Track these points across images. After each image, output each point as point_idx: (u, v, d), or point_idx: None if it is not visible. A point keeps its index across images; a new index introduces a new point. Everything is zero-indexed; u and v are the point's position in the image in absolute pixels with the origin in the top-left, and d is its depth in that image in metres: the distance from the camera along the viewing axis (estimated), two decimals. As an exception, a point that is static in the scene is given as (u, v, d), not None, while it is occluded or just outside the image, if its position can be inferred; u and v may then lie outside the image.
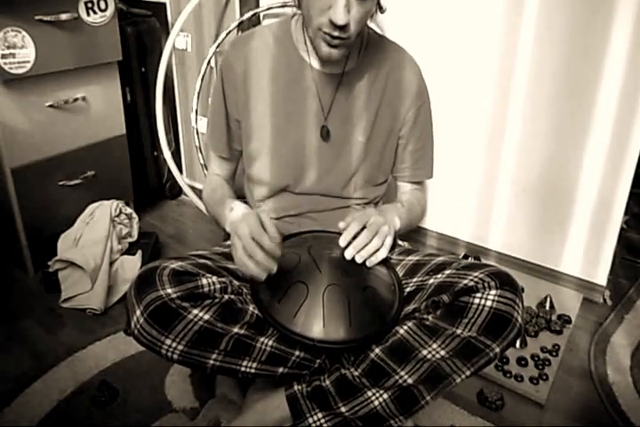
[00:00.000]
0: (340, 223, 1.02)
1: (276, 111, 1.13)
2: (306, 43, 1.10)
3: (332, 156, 1.15)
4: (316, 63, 1.12)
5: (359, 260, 0.99)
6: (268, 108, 1.13)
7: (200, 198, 2.05)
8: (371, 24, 1.17)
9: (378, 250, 1.01)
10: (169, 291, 0.91)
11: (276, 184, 1.17)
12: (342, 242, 0.99)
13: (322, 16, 0.95)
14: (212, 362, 0.95)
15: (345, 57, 1.08)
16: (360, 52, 1.13)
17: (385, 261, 1.09)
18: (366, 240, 0.99)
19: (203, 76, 1.91)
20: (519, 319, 0.94)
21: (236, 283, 1.02)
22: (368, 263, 1.00)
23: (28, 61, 1.57)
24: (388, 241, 1.02)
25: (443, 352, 0.94)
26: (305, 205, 1.17)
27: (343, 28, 0.95)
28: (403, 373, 0.96)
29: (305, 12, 1.00)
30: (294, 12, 1.12)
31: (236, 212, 1.04)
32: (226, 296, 0.97)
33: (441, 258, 1.08)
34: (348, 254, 0.99)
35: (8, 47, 1.51)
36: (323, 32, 0.97)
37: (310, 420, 1.01)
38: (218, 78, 1.17)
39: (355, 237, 1.00)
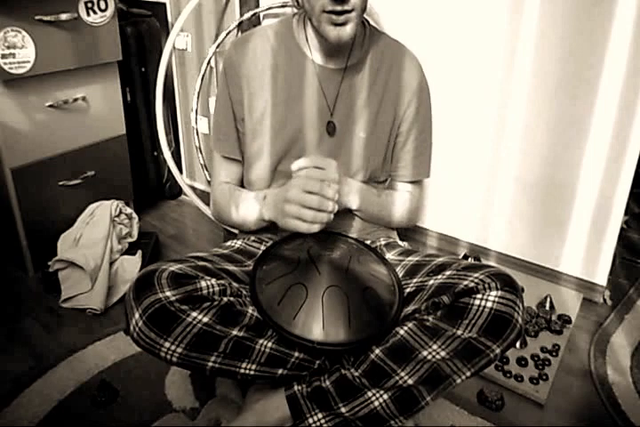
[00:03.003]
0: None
1: (280, 107, 1.13)
2: (307, 39, 1.10)
3: (335, 152, 1.15)
4: (318, 59, 1.12)
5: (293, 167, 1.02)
6: (272, 104, 1.13)
7: (199, 198, 2.07)
8: (371, 23, 1.18)
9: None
10: (168, 294, 0.91)
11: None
12: (294, 166, 1.02)
13: None
14: (211, 364, 0.95)
15: (349, 48, 1.08)
16: (362, 47, 1.13)
17: (384, 262, 1.09)
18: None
19: (203, 76, 1.91)
20: (519, 320, 0.94)
21: (235, 285, 1.02)
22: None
23: (28, 61, 1.56)
24: (331, 192, 0.99)
25: (443, 353, 0.94)
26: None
27: (345, 0, 0.96)
28: (403, 373, 0.96)
29: (306, 3, 1.00)
30: (294, 11, 1.12)
31: (272, 190, 1.08)
32: (225, 299, 0.96)
33: (441, 259, 1.08)
34: (294, 166, 1.02)
35: (8, 47, 1.51)
36: (326, 12, 0.98)
37: (310, 420, 1.01)
38: (222, 80, 1.17)
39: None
